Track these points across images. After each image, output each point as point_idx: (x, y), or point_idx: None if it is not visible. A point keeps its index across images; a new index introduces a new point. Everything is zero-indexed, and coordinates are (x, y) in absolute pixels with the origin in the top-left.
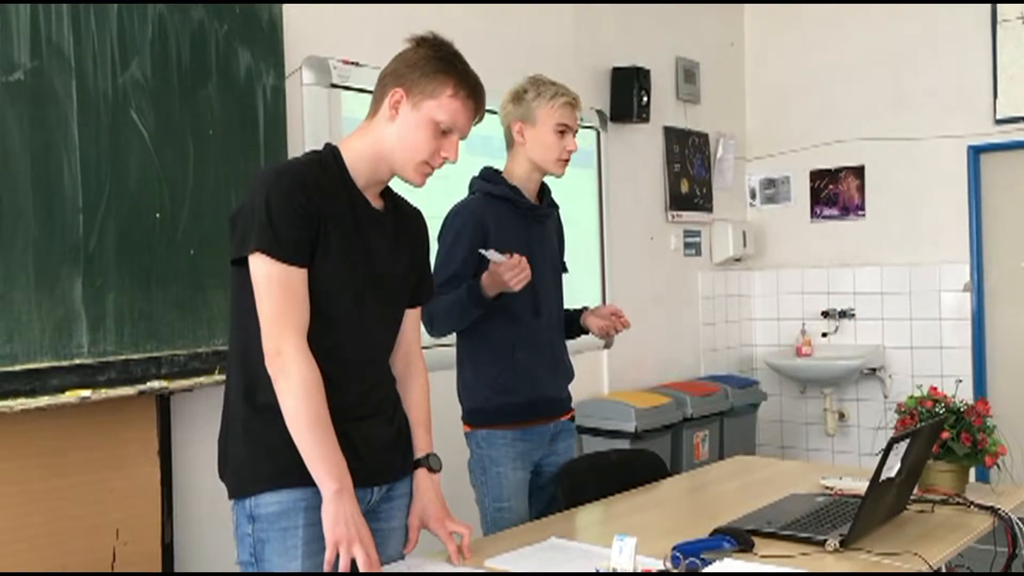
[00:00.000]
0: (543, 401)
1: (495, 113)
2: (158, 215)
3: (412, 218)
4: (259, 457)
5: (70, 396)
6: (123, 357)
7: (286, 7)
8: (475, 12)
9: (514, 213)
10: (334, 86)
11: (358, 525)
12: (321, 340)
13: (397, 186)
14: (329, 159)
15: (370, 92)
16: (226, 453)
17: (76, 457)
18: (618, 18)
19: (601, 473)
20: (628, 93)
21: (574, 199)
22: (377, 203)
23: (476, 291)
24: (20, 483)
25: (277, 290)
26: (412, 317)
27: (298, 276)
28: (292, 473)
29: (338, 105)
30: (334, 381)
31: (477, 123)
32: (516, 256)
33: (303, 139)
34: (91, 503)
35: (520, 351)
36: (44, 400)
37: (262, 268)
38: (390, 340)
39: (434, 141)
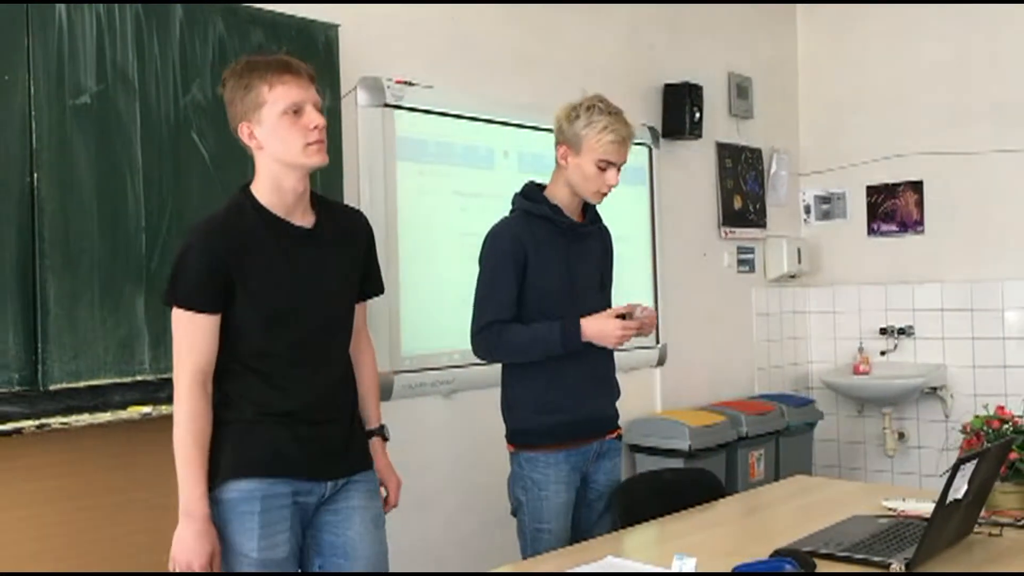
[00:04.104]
0: (588, 420)
1: (537, 129)
2: None
3: (347, 219)
4: (225, 452)
5: (132, 412)
6: None
7: (342, 29)
8: (528, 32)
9: (554, 231)
10: (388, 106)
11: (190, 550)
12: (268, 360)
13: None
14: (243, 201)
15: (423, 111)
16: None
17: (137, 472)
18: (670, 35)
19: (656, 492)
20: (680, 109)
21: (626, 216)
22: (307, 220)
23: (574, 338)
24: (83, 497)
25: (178, 335)
26: (360, 308)
27: (199, 322)
28: (251, 465)
29: (392, 124)
30: (287, 392)
31: (315, 80)
32: (638, 321)
33: (357, 158)
34: (152, 517)
35: (563, 369)
36: (107, 416)
37: (174, 314)
38: (339, 343)
39: (296, 127)
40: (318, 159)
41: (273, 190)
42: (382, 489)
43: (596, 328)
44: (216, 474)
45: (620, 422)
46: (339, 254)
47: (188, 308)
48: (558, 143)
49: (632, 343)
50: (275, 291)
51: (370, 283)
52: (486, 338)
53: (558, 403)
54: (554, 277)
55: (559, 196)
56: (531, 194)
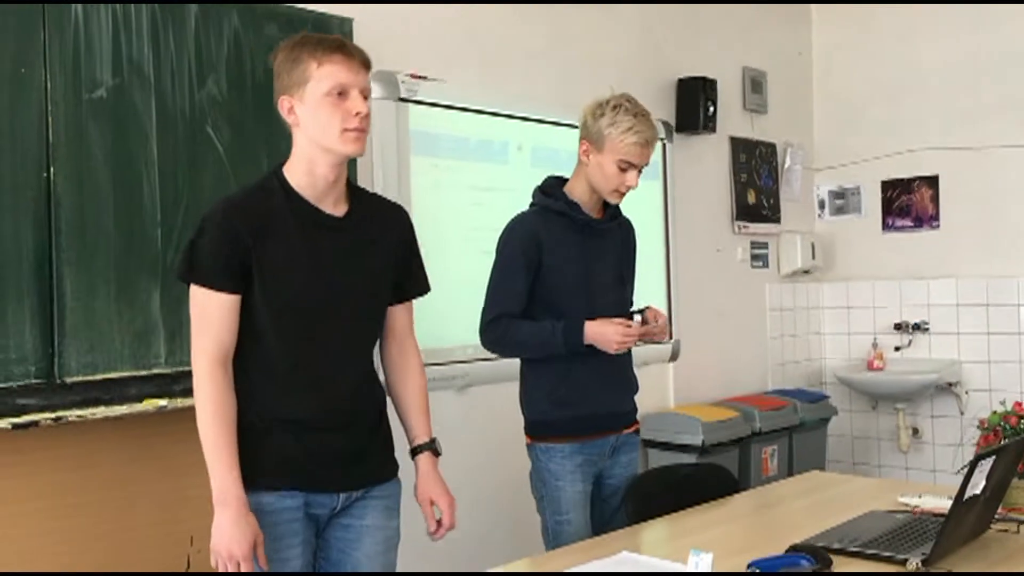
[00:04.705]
0: (603, 414)
1: (551, 124)
2: None
3: (385, 214)
4: None
5: (148, 405)
6: None
7: (356, 23)
8: (541, 26)
9: (571, 227)
10: (402, 100)
11: (231, 539)
12: (275, 358)
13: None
14: (272, 181)
15: (440, 105)
16: None
17: (153, 465)
18: (684, 29)
19: (670, 487)
20: (694, 104)
21: (640, 210)
22: (339, 209)
23: (576, 339)
24: (99, 490)
25: (195, 315)
26: (403, 310)
27: (217, 301)
28: (258, 477)
29: (406, 118)
30: (294, 395)
31: (369, 68)
32: (636, 326)
33: (371, 152)
34: (167, 510)
35: (578, 364)
36: (123, 409)
37: (191, 292)
38: (361, 346)
39: (338, 109)
40: (353, 148)
41: (305, 173)
42: (434, 509)
43: (597, 332)
44: None
45: None
46: (369, 247)
47: (206, 285)
48: (581, 139)
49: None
50: (292, 279)
51: (412, 282)
52: (493, 331)
53: (569, 398)
54: (568, 273)
55: (578, 192)
56: (549, 189)
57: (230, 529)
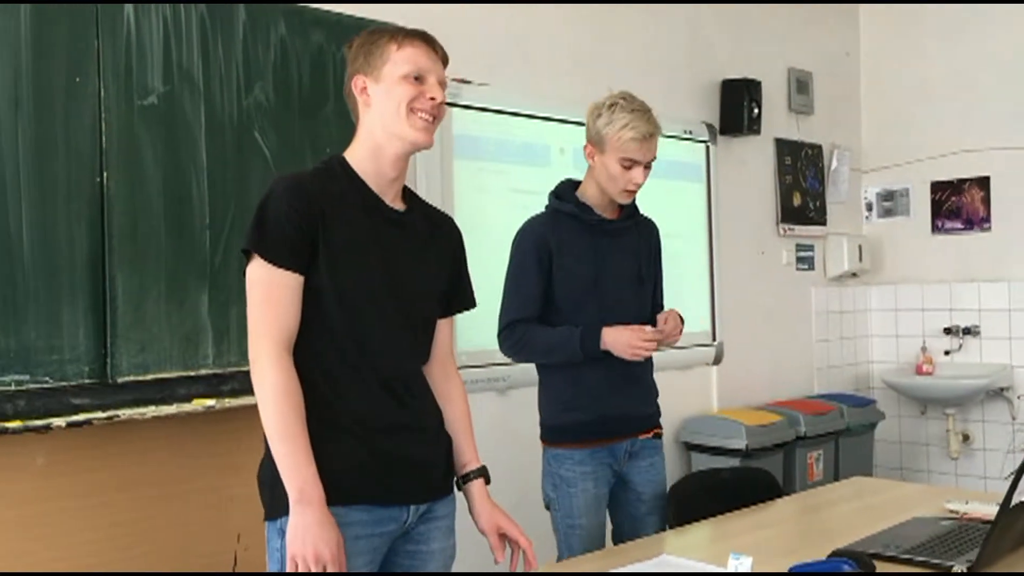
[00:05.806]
0: (613, 417)
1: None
2: None
3: (442, 223)
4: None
5: (196, 405)
6: (245, 368)
7: None
8: (585, 28)
9: (581, 228)
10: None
11: (317, 539)
12: (341, 348)
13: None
14: (335, 165)
15: (481, 109)
16: (262, 470)
17: (201, 463)
18: (729, 30)
19: (712, 491)
20: (739, 105)
21: (683, 213)
22: (397, 205)
23: (593, 345)
24: (149, 487)
25: (259, 295)
26: (446, 326)
27: (284, 280)
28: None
29: (449, 122)
30: (358, 390)
31: (446, 65)
32: (652, 332)
33: (415, 156)
34: (215, 508)
35: (586, 367)
36: (172, 408)
37: (250, 271)
38: (418, 347)
39: (413, 88)
40: (420, 135)
41: (370, 158)
42: (504, 545)
43: (613, 338)
44: (277, 501)
45: (676, 420)
46: (426, 249)
47: (274, 262)
48: (586, 143)
49: (683, 341)
50: (356, 264)
51: (460, 295)
52: (510, 337)
53: (579, 401)
54: (579, 274)
55: (589, 193)
56: (561, 192)
57: (316, 529)
